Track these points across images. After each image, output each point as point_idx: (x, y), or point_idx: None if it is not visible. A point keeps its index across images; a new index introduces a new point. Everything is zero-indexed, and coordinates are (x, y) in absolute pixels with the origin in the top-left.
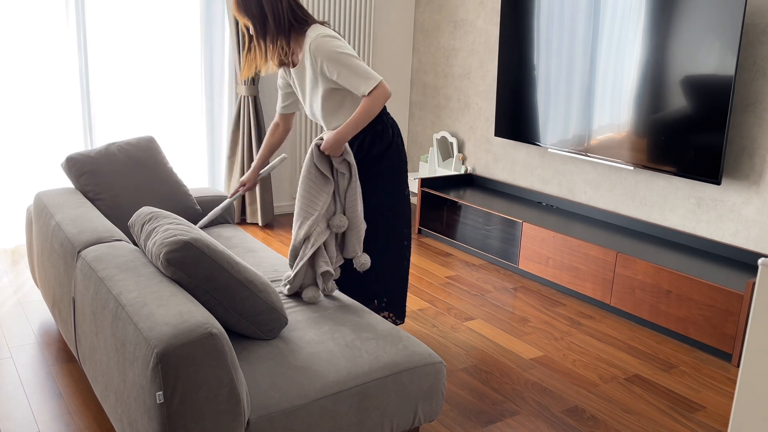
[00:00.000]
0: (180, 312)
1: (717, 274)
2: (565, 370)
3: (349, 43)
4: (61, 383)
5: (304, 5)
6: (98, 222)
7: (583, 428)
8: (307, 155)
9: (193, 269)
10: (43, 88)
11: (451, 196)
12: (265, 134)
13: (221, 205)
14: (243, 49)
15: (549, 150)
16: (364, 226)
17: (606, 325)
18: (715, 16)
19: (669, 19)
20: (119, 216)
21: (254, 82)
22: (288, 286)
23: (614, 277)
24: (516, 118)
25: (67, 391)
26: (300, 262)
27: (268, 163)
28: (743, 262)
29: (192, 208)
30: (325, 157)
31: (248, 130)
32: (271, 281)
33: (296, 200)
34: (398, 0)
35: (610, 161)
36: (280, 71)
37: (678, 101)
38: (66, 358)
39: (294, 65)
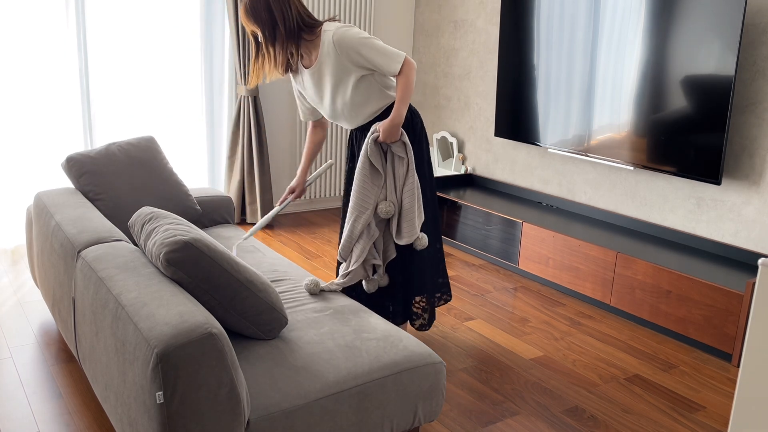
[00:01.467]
0: (180, 312)
1: (717, 274)
2: (565, 370)
3: None
4: (61, 383)
5: (306, 5)
6: (98, 222)
7: (583, 428)
8: (362, 150)
9: (193, 269)
10: (43, 88)
11: (451, 196)
12: (265, 134)
13: (269, 214)
14: (250, 58)
15: (549, 150)
16: (420, 205)
17: (606, 325)
18: (715, 16)
19: (669, 19)
20: (119, 216)
21: None
22: (343, 281)
23: (614, 277)
24: (516, 118)
25: (67, 391)
26: (361, 258)
27: (313, 170)
28: (743, 262)
29: (192, 208)
30: (378, 149)
31: (248, 130)
32: (272, 281)
33: (351, 195)
34: (398, 0)
35: (610, 161)
36: (295, 83)
37: (678, 101)
38: (66, 358)
39: (306, 67)
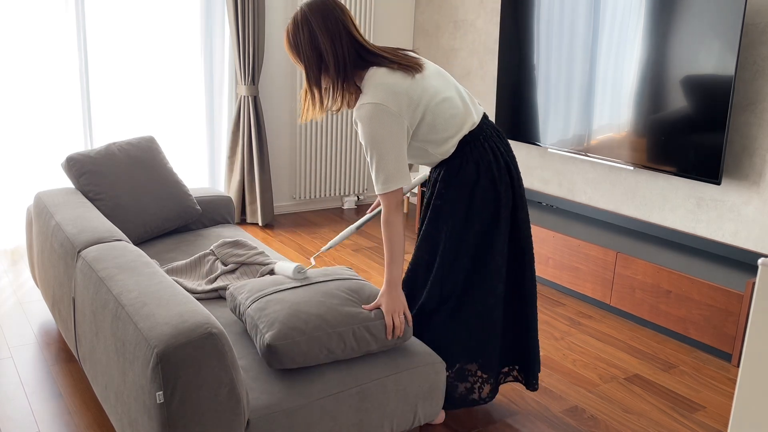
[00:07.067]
0: (180, 312)
1: (717, 274)
2: (565, 370)
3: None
4: (61, 383)
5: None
6: (98, 222)
7: (583, 428)
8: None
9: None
10: (43, 88)
11: None
12: (265, 134)
13: (356, 224)
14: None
15: (549, 150)
16: None
17: (606, 325)
18: (715, 16)
19: (669, 19)
20: (119, 216)
21: (254, 81)
22: None
23: (614, 277)
24: (516, 118)
25: (67, 391)
26: None
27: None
28: (743, 262)
29: (192, 208)
30: None
31: (248, 130)
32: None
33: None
34: (398, 0)
35: (610, 161)
36: None
37: (678, 101)
38: (66, 358)
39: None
